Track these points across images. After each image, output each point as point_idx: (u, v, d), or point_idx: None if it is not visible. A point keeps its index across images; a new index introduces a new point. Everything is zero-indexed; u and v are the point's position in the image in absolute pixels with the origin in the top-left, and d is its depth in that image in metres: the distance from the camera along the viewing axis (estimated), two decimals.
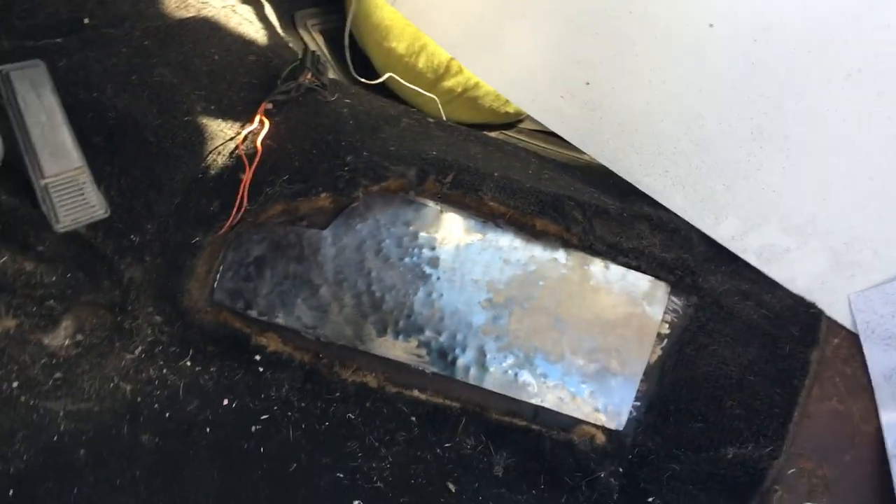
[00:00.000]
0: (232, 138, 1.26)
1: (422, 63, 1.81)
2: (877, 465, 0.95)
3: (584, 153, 1.37)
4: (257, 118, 1.27)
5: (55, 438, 1.00)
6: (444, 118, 1.74)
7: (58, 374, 1.08)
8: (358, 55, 1.84)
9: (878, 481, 0.94)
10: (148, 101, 1.24)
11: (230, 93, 1.32)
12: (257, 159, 1.22)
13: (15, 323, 1.10)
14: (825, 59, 1.23)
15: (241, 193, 1.19)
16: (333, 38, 1.88)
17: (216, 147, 1.24)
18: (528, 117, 1.90)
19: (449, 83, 1.82)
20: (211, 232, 1.19)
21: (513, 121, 2.03)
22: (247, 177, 1.19)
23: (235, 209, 1.18)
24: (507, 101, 1.81)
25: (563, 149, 1.68)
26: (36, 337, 1.11)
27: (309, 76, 1.37)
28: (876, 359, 1.03)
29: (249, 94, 1.34)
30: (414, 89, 1.76)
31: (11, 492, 0.92)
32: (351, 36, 1.87)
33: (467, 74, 1.77)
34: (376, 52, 1.85)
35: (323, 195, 1.18)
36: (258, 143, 1.23)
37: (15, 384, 1.04)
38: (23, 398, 1.04)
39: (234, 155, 1.24)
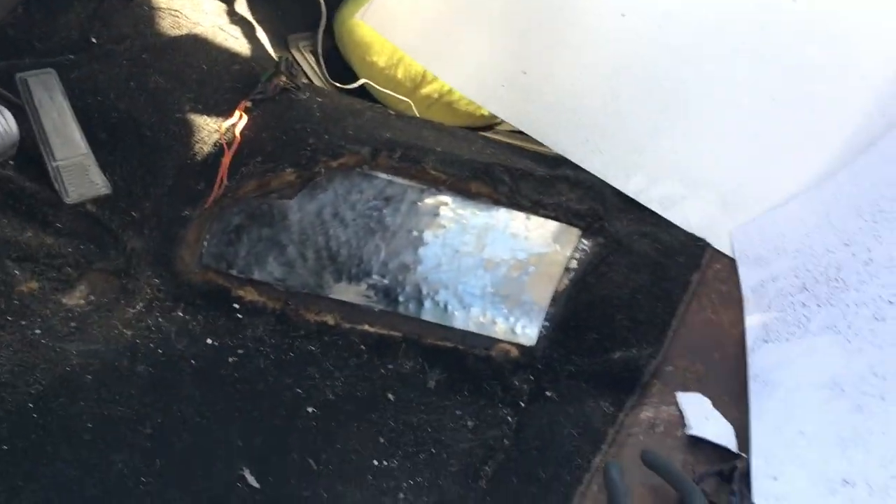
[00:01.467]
0: (216, 131, 1.50)
1: (400, 74, 2.03)
2: (739, 360, 1.13)
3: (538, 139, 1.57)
4: (237, 113, 1.51)
5: (67, 369, 1.22)
6: (418, 117, 1.96)
7: (73, 324, 1.31)
8: (348, 73, 2.07)
9: (739, 372, 1.12)
10: (145, 103, 1.48)
11: (216, 95, 1.57)
12: (235, 145, 1.45)
13: (38, 286, 1.34)
14: (715, 36, 1.43)
15: (221, 173, 1.42)
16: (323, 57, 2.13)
17: (202, 138, 1.48)
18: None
19: (426, 90, 2.04)
20: (198, 207, 1.42)
21: (489, 123, 2.22)
22: (226, 159, 1.43)
23: (217, 186, 1.41)
24: None
25: (531, 143, 1.86)
26: (56, 297, 1.35)
27: (283, 79, 1.62)
28: (746, 276, 1.21)
29: (232, 96, 1.58)
30: (388, 94, 2.00)
31: (31, 405, 1.14)
32: (339, 53, 2.12)
33: (442, 81, 1.99)
34: (360, 67, 2.08)
35: (288, 170, 1.41)
36: (237, 133, 1.47)
37: (38, 331, 1.28)
38: (43, 341, 1.27)
39: (216, 144, 1.48)
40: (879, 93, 1.26)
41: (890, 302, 1.00)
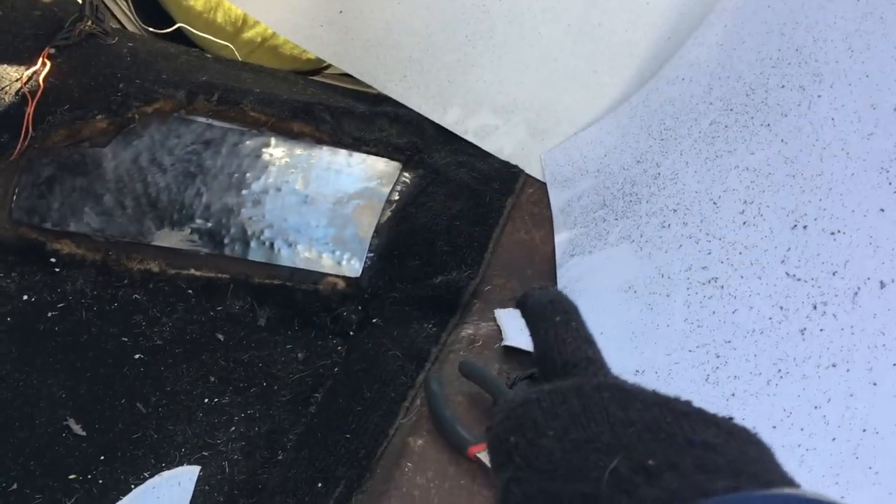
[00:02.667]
0: (17, 80, 1.42)
1: (220, 18, 1.98)
2: (550, 275, 1.21)
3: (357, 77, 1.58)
4: (39, 61, 1.44)
5: None
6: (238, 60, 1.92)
7: None
8: (167, 17, 2.00)
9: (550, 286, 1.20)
10: None
11: (16, 43, 1.48)
12: (39, 94, 1.38)
13: None
14: None
15: (25, 123, 1.35)
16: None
17: (3, 88, 1.40)
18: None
19: (248, 34, 2.00)
20: (3, 160, 1.35)
21: (316, 67, 2.20)
22: (30, 108, 1.36)
23: (22, 137, 1.35)
24: None
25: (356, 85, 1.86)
26: None
27: (89, 23, 1.55)
28: (555, 197, 1.29)
29: (35, 44, 1.49)
30: (209, 39, 1.95)
31: None
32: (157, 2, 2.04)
33: (264, 25, 1.95)
34: (177, 11, 2.01)
35: (99, 117, 1.36)
36: (40, 81, 1.41)
37: None
38: None
39: (19, 93, 1.40)
40: (663, 19, 1.36)
41: (674, 210, 1.10)
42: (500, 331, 1.17)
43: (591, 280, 1.14)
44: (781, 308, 0.91)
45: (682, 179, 1.13)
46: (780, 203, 0.98)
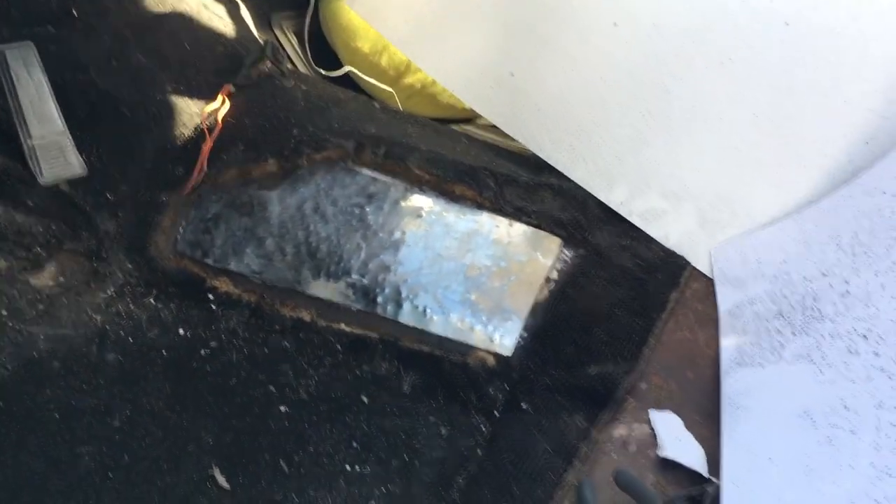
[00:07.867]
0: (197, 114, 1.47)
1: (384, 61, 2.01)
2: (713, 381, 1.14)
3: (522, 143, 1.57)
4: (219, 98, 1.48)
5: (35, 354, 1.20)
6: (402, 110, 1.94)
7: (41, 307, 1.28)
8: (330, 55, 2.04)
9: (712, 393, 1.13)
10: (125, 81, 1.45)
11: (198, 77, 1.53)
12: (217, 132, 1.42)
13: (6, 265, 1.31)
14: (704, 48, 1.43)
15: (201, 160, 1.39)
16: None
17: (183, 121, 1.45)
18: None
19: (409, 80, 2.02)
20: (175, 192, 1.39)
21: (469, 116, 2.20)
22: (207, 146, 1.40)
23: (196, 173, 1.38)
24: None
25: (510, 140, 1.86)
26: (24, 277, 1.31)
27: (268, 65, 1.59)
28: (724, 297, 1.22)
29: (215, 79, 1.54)
30: (371, 82, 1.97)
31: None
32: (323, 36, 2.09)
33: (425, 72, 1.97)
34: (344, 52, 2.05)
35: (271, 161, 1.39)
36: (219, 119, 1.44)
37: (4, 312, 1.25)
38: (10, 323, 1.24)
39: (198, 128, 1.45)
40: (864, 121, 1.27)
41: (864, 336, 1.02)
42: (654, 435, 1.10)
43: (761, 397, 1.07)
44: None
45: (875, 303, 1.04)
46: None
